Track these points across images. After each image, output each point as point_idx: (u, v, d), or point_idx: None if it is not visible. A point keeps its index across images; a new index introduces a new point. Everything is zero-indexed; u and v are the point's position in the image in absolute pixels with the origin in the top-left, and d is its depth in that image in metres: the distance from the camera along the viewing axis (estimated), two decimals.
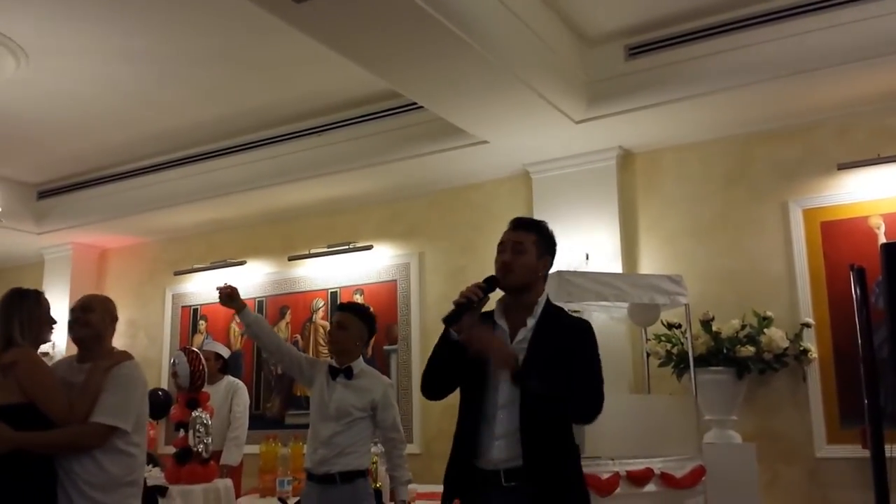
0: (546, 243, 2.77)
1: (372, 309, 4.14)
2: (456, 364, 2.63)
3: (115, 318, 3.34)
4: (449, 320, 2.57)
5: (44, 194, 8.27)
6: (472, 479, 2.58)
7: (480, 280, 2.65)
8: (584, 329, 2.74)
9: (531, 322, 2.66)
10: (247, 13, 4.59)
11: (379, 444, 4.14)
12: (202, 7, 4.95)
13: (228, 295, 3.93)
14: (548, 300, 2.75)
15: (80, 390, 3.07)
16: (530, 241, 2.71)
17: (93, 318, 3.23)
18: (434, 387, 2.74)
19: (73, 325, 3.27)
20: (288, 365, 4.13)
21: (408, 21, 4.17)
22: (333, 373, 3.89)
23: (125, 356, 3.23)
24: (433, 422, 6.55)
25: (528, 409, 2.53)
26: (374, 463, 4.46)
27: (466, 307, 2.56)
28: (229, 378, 6.01)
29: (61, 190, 8.14)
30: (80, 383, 3.10)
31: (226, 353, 6.24)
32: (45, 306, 3.27)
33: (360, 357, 3.96)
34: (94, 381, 3.07)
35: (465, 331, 2.56)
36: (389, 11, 4.10)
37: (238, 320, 4.37)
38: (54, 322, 3.34)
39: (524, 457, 2.50)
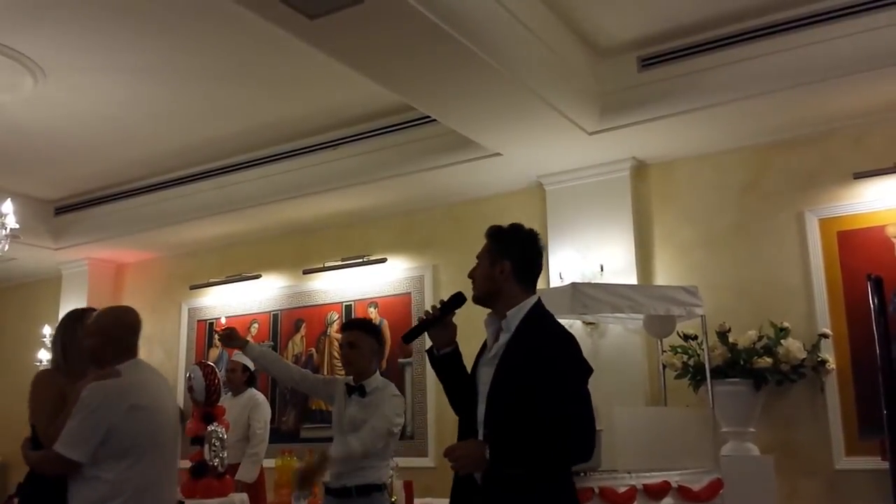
0: (499, 248, 2.63)
1: (375, 320, 4.12)
2: (455, 376, 2.72)
3: (113, 333, 2.96)
4: (405, 338, 2.75)
5: (61, 210, 8.36)
6: (472, 490, 2.58)
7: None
8: (561, 343, 2.49)
9: (504, 337, 2.57)
10: (261, 30, 4.62)
11: (395, 460, 4.15)
12: (217, 24, 5.00)
13: (227, 335, 3.96)
14: (532, 308, 2.57)
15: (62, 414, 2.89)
16: (485, 250, 2.68)
17: (85, 343, 3.01)
18: (453, 403, 2.77)
19: None
20: (306, 389, 4.19)
21: (420, 36, 4.20)
22: (349, 390, 3.93)
23: (100, 376, 2.85)
24: (447, 435, 6.53)
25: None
26: (391, 477, 4.45)
27: (422, 327, 2.70)
28: (251, 391, 5.85)
29: (78, 206, 8.22)
30: None
31: (252, 365, 6.05)
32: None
33: (377, 373, 3.97)
34: (71, 406, 2.83)
35: (441, 346, 2.69)
36: (402, 27, 4.12)
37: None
38: None
39: (483, 476, 2.45)
